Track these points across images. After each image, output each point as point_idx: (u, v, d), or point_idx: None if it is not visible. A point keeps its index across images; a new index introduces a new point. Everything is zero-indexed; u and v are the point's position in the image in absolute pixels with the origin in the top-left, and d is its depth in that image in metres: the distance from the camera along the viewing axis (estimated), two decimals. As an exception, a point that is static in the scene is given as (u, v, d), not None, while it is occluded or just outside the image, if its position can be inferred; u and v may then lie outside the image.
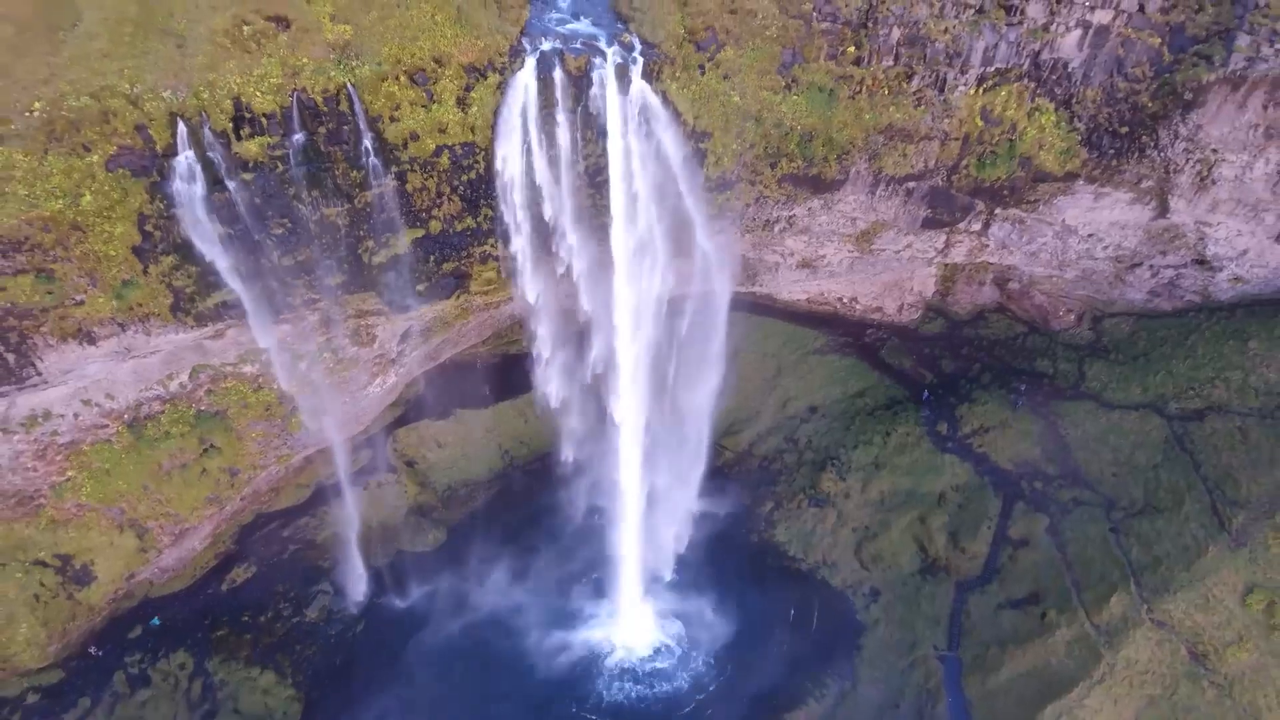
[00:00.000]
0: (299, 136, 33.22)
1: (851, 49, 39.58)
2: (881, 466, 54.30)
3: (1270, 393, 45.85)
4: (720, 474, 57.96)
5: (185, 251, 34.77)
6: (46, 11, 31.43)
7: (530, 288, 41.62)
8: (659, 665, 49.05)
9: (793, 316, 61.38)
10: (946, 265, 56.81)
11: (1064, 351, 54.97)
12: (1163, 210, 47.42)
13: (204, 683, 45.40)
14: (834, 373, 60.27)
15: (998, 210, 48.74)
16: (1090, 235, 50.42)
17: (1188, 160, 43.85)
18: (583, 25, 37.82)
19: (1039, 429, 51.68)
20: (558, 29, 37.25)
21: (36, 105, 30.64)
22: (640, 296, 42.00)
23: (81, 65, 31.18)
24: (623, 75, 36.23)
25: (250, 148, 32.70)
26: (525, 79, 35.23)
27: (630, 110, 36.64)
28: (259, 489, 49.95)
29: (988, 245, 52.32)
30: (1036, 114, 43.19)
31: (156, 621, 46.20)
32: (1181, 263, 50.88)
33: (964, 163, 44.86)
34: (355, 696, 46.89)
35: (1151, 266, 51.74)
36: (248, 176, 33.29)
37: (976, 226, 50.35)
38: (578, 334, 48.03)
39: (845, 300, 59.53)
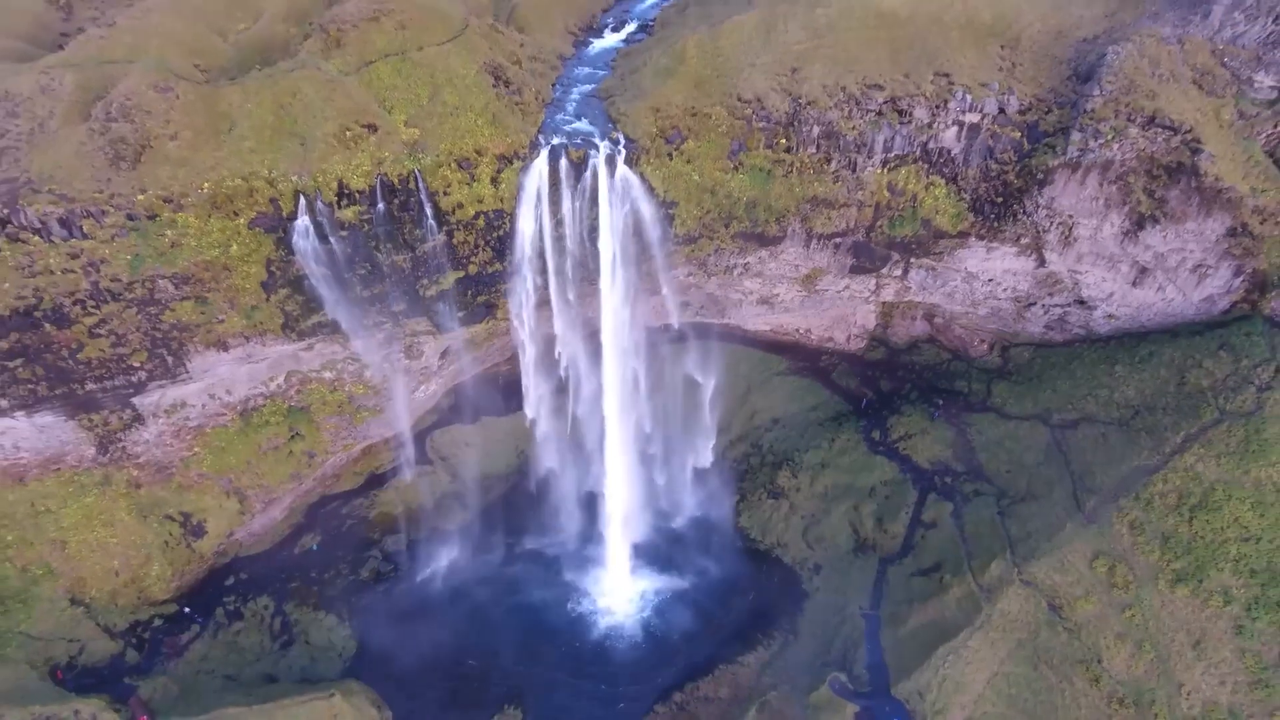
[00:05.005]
0: (380, 206, 47.08)
1: (783, 141, 53.01)
2: (826, 466, 66.27)
3: (1127, 406, 57.35)
4: (699, 474, 70.46)
5: (296, 285, 48.62)
6: (213, 122, 45.84)
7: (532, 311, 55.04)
8: (641, 618, 60.79)
9: (761, 345, 74.10)
10: (882, 303, 69.47)
11: (977, 374, 67.02)
12: (1041, 261, 59.87)
13: (282, 620, 57.98)
14: (794, 391, 72.69)
15: (912, 260, 61.43)
16: (990, 280, 62.84)
17: (1051, 223, 56.48)
18: (583, 125, 51.70)
19: (951, 435, 63.53)
20: (565, 128, 51.16)
21: (205, 185, 44.72)
22: (623, 320, 55.00)
23: (235, 158, 45.37)
24: (611, 162, 49.84)
25: (347, 214, 46.61)
26: (540, 165, 48.90)
27: (616, 186, 50.20)
28: (326, 473, 63.15)
29: (910, 287, 64.91)
30: (931, 187, 56.08)
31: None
32: (1066, 303, 62.97)
33: (878, 223, 57.81)
34: (397, 638, 58.80)
35: (1044, 305, 63.88)
36: (344, 234, 47.15)
37: (898, 272, 63.01)
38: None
39: (802, 331, 72.27)
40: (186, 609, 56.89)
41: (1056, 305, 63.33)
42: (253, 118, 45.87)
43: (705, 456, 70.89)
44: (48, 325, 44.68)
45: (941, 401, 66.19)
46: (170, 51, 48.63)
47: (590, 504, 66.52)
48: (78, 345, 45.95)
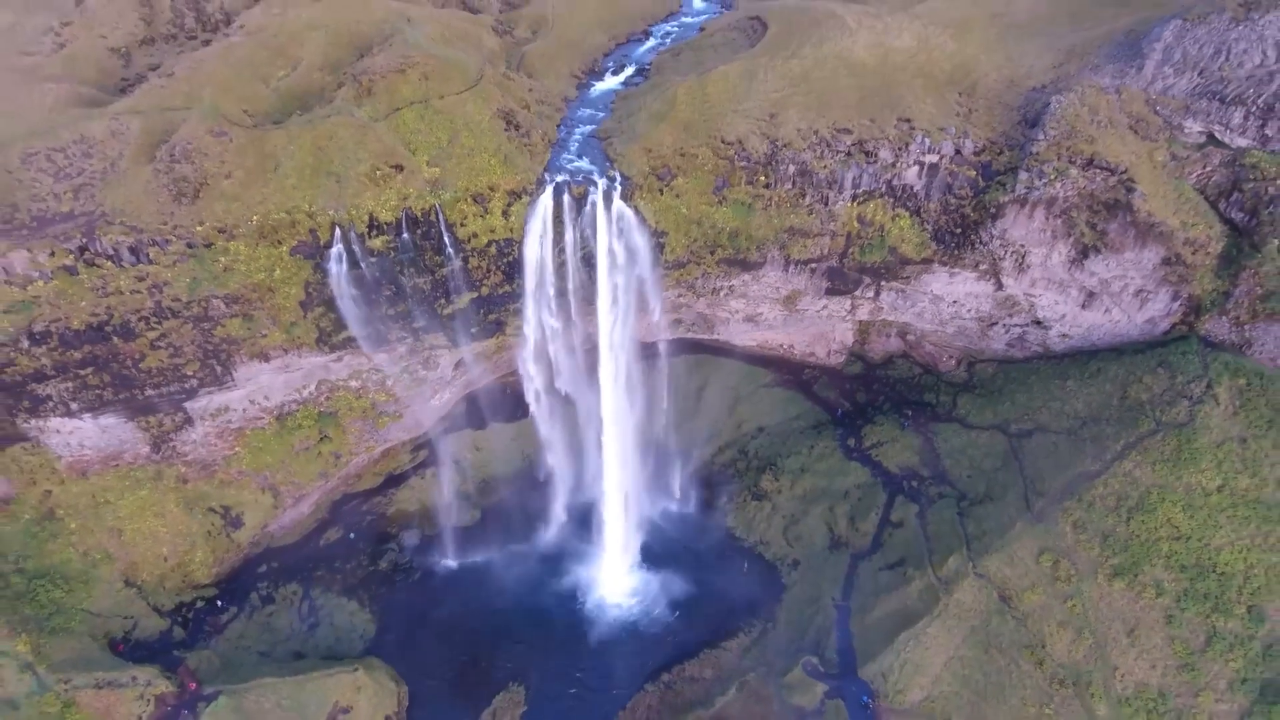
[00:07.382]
0: (405, 236, 53.58)
1: (762, 178, 59.38)
2: (806, 470, 72.16)
3: (1076, 417, 63.05)
4: (690, 476, 76.46)
5: (329, 304, 55.12)
6: (261, 162, 52.46)
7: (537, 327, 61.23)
8: (635, 604, 66.64)
9: (749, 359, 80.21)
10: (859, 322, 75.53)
11: (945, 387, 72.91)
12: (999, 285, 65.88)
13: (309, 604, 64.14)
14: (778, 402, 78.72)
15: (882, 283, 67.55)
16: (955, 302, 68.84)
17: (1005, 251, 62.55)
18: (584, 163, 58.14)
19: (919, 443, 69.39)
20: (567, 166, 57.59)
21: (254, 217, 51.34)
22: (619, 336, 61.23)
23: (280, 194, 51.99)
24: (608, 197, 56.22)
25: (376, 243, 53.14)
26: (545, 199, 55.31)
27: (612, 219, 56.58)
28: (349, 473, 69.49)
29: (882, 308, 70.99)
30: (897, 218, 62.26)
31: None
32: (1025, 323, 68.89)
33: (850, 250, 64.01)
34: (412, 622, 64.89)
35: (1004, 325, 69.80)
36: (373, 260, 53.69)
37: (870, 294, 69.13)
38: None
39: (786, 346, 78.38)
40: (219, 601, 62.86)
41: (1016, 325, 69.25)
42: (295, 159, 52.48)
43: (693, 460, 76.75)
44: (115, 338, 51.29)
45: (911, 412, 72.11)
46: (221, 97, 55.37)
47: (590, 504, 72.48)
48: (140, 356, 52.52)
